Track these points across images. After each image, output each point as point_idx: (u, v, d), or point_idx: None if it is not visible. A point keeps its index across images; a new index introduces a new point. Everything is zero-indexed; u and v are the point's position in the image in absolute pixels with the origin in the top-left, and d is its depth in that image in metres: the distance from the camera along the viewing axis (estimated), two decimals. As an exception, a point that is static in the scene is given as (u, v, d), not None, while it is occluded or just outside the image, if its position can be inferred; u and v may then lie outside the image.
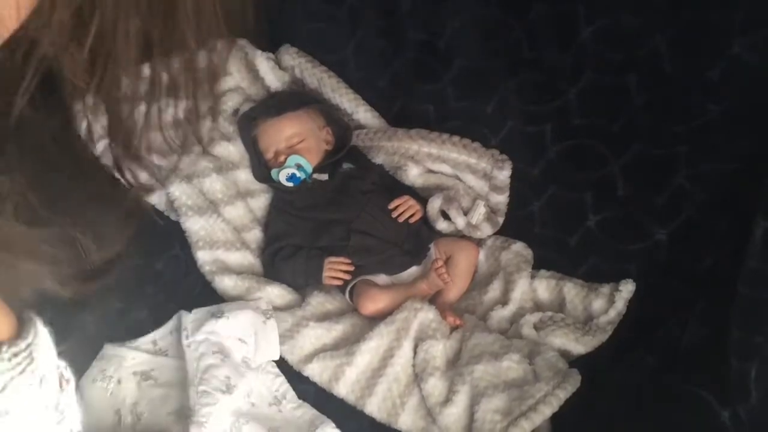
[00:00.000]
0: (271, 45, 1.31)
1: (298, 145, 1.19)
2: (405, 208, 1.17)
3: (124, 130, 0.52)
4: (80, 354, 1.04)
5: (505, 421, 0.92)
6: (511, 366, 0.98)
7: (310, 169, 1.17)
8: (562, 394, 0.93)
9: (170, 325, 1.04)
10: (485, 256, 1.17)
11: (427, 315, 1.06)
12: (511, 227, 1.17)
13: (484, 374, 0.98)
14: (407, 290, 1.13)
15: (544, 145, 1.13)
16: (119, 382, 0.99)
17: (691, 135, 0.99)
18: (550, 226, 1.14)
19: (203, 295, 1.11)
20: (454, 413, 0.96)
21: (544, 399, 0.92)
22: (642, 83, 1.03)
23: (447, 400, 0.97)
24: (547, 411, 0.92)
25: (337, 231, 1.16)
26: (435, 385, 0.99)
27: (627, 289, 1.03)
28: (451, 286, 1.13)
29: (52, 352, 0.50)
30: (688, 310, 0.95)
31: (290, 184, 1.17)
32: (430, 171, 1.21)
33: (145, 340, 1.03)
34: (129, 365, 1.01)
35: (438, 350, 1.03)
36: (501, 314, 1.09)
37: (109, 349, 1.02)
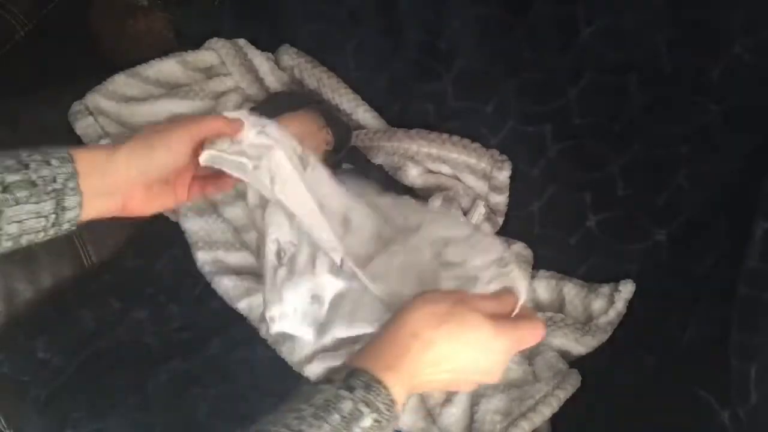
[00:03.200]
0: (270, 45, 1.31)
1: (297, 146, 1.18)
2: (405, 209, 1.16)
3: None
4: (79, 355, 1.04)
5: (505, 421, 0.92)
6: (511, 366, 0.98)
7: (309, 170, 1.17)
8: (562, 395, 0.93)
9: None
10: (485, 256, 1.17)
11: (427, 315, 1.06)
12: (511, 227, 1.17)
13: (484, 374, 0.98)
14: (407, 290, 1.13)
15: (544, 145, 1.13)
16: None
17: (691, 135, 0.99)
18: (550, 226, 1.14)
19: (203, 295, 1.10)
20: (454, 413, 0.96)
21: (544, 399, 0.92)
22: (642, 83, 1.02)
23: (447, 401, 0.97)
24: (546, 411, 0.91)
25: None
26: (435, 386, 0.99)
27: (627, 289, 1.03)
28: (451, 287, 1.13)
29: None
30: (688, 310, 0.95)
31: (290, 185, 1.17)
32: (430, 171, 1.21)
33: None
34: None
35: (438, 350, 1.02)
36: (501, 314, 1.08)
37: None
